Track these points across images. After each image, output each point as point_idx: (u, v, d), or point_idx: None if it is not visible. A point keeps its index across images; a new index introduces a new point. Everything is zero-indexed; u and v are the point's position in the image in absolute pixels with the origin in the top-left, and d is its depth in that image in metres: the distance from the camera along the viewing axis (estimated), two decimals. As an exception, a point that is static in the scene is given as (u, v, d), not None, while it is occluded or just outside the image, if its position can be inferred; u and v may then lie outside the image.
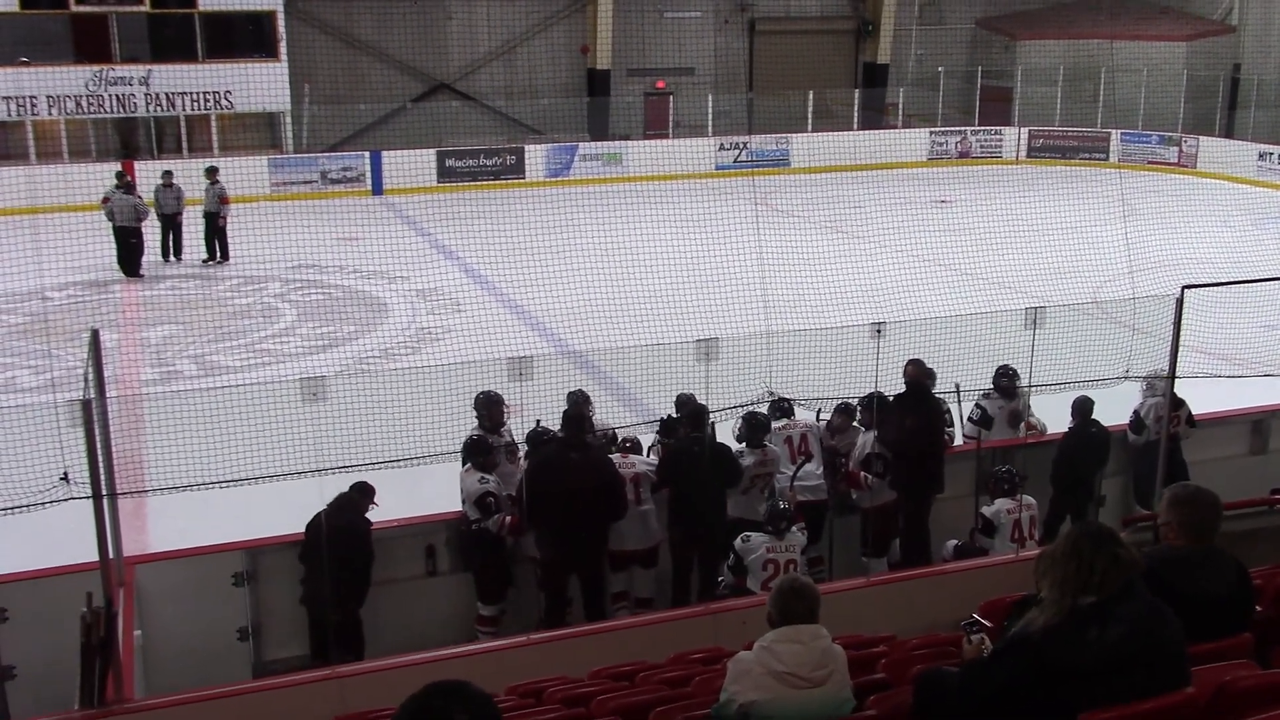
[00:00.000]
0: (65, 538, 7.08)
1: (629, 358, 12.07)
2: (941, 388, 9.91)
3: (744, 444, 8.98)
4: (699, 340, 8.01)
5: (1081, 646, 3.47)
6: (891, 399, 9.24)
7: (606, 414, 9.71)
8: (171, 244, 21.63)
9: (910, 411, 9.21)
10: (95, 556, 6.27)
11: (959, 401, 10.41)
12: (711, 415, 8.71)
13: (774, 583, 4.59)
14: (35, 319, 17.49)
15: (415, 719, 2.68)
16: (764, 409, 9.39)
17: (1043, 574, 3.65)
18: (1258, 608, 4.99)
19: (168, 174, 21.91)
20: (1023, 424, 10.11)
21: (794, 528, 8.18)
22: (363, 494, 8.10)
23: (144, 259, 20.76)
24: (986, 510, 8.69)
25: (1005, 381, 10.19)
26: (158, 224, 21.38)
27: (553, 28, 33.36)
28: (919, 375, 9.36)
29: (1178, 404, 9.63)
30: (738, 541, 8.00)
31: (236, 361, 15.84)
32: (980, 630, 4.02)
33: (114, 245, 20.49)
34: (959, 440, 10.02)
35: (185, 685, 7.08)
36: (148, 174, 24.35)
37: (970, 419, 10.37)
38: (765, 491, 8.94)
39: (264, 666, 8.09)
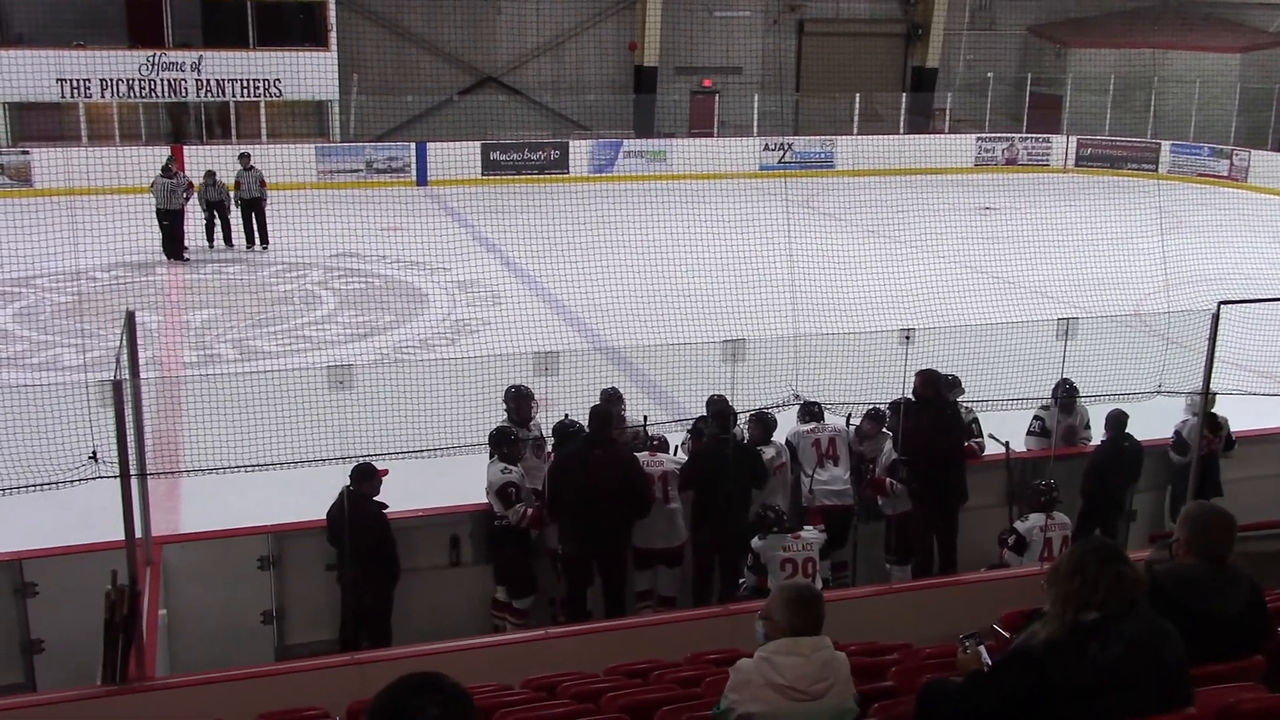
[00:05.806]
0: (99, 515, 7.17)
1: (662, 355, 12.05)
2: (973, 395, 9.83)
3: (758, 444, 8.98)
4: (725, 341, 8.00)
5: (1081, 663, 3.45)
6: (902, 407, 9.16)
7: (638, 411, 9.70)
8: (256, 228, 21.63)
9: (924, 420, 9.13)
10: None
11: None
12: (739, 416, 8.71)
13: (779, 588, 4.59)
14: (81, 299, 17.77)
15: (387, 711, 2.63)
16: (792, 412, 9.38)
17: (1048, 588, 3.63)
18: (1280, 629, 4.92)
19: (245, 156, 21.94)
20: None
21: (810, 527, 8.19)
22: (365, 479, 7.89)
23: (188, 242, 20.96)
24: (1020, 526, 8.58)
25: (1064, 395, 10.01)
26: (237, 207, 21.56)
27: (601, 24, 33.41)
28: (924, 387, 9.24)
29: (1216, 424, 9.50)
30: (755, 540, 8.04)
31: (275, 347, 16.00)
32: (975, 638, 3.99)
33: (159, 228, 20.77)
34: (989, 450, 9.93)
35: (209, 665, 7.19)
36: (196, 159, 24.68)
37: (1030, 431, 10.25)
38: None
39: (287, 650, 8.17)
